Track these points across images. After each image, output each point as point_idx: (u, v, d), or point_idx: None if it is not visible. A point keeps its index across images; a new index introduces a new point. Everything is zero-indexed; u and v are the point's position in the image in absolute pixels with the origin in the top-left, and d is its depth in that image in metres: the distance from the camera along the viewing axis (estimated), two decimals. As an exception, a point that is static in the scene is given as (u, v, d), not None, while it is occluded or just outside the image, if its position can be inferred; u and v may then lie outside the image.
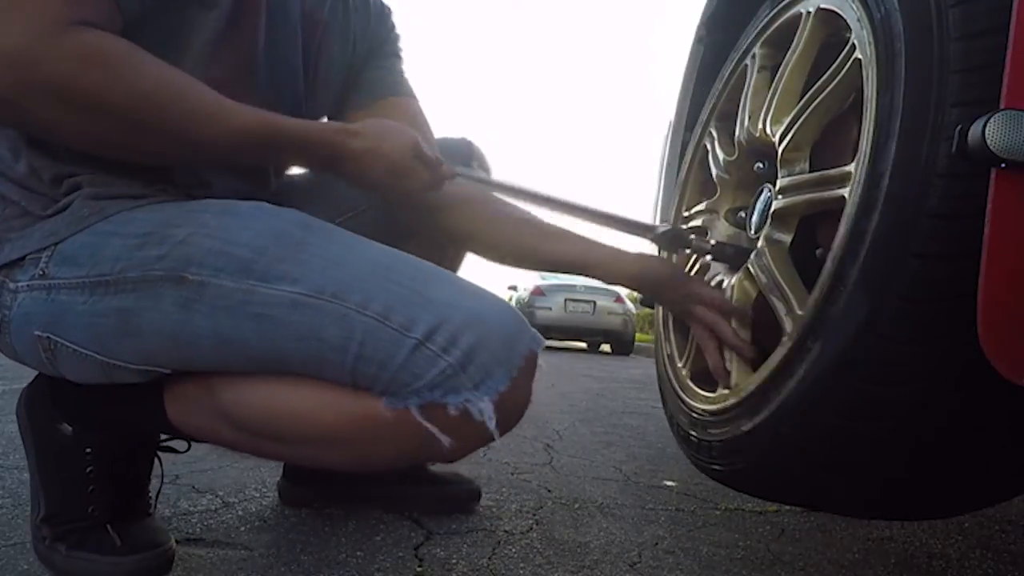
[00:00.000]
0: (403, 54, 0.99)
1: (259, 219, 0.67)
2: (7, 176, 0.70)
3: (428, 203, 0.86)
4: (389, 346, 0.60)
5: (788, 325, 0.78)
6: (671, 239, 0.99)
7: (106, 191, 0.69)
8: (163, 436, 0.81)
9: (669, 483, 1.38)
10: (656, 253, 1.22)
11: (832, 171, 0.77)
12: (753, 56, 1.06)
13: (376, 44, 0.95)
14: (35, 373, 0.77)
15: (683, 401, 1.02)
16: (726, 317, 0.90)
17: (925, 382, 0.64)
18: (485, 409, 0.61)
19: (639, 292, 1.00)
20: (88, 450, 0.76)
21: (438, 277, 0.66)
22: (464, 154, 1.02)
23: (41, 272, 0.66)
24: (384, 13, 0.97)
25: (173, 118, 0.64)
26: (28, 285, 0.66)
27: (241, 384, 0.67)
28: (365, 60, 0.94)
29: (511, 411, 0.65)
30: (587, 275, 0.93)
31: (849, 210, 0.70)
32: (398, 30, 0.99)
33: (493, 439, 0.63)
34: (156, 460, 0.85)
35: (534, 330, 0.66)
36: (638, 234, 1.00)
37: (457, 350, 0.60)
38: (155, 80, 0.62)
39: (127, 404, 0.74)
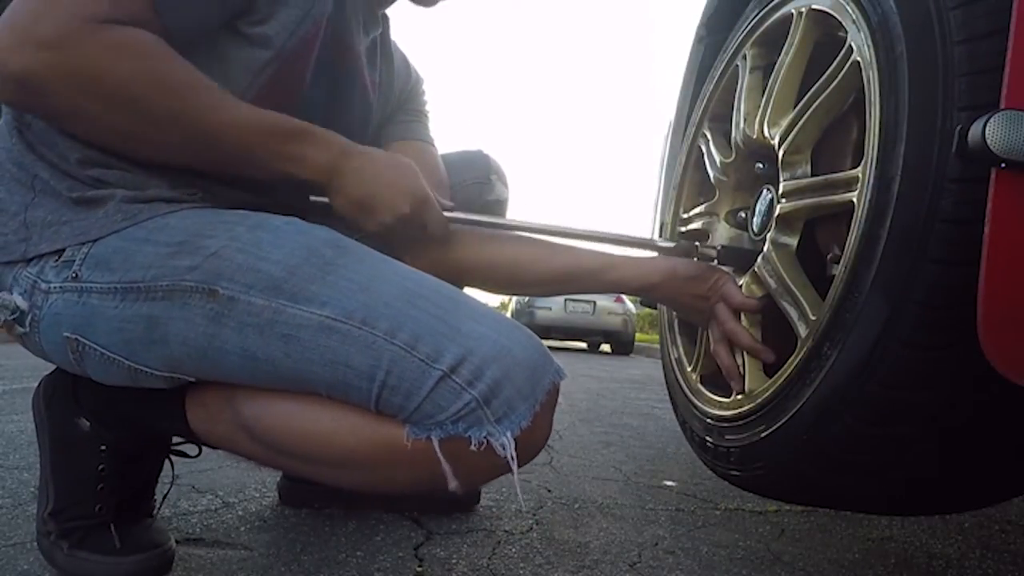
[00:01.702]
0: (429, 115, 1.03)
1: (291, 236, 0.67)
2: (37, 152, 0.70)
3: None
4: (415, 377, 0.60)
5: (803, 330, 0.78)
6: (675, 253, 0.97)
7: (141, 195, 0.69)
8: (176, 439, 0.81)
9: (669, 483, 1.38)
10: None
11: (839, 175, 0.77)
12: (744, 56, 1.06)
13: (408, 101, 1.00)
14: (48, 368, 0.77)
15: (695, 406, 1.01)
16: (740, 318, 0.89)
17: (946, 386, 0.64)
18: (507, 444, 0.61)
19: (657, 296, 0.94)
20: (103, 448, 0.76)
21: (467, 306, 0.66)
22: (481, 167, 1.03)
23: (74, 275, 0.66)
24: (419, 81, 1.03)
25: (190, 115, 0.65)
26: (60, 287, 0.66)
27: (264, 400, 0.67)
28: (395, 111, 0.98)
29: (531, 444, 0.65)
30: (605, 285, 0.91)
31: (860, 215, 0.70)
32: (427, 96, 1.04)
33: (510, 471, 0.63)
34: (166, 462, 0.85)
35: (557, 363, 0.66)
36: (641, 248, 0.99)
37: (482, 383, 0.60)
38: (180, 78, 0.65)
39: (149, 407, 0.75)
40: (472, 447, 0.60)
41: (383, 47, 0.92)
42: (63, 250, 0.67)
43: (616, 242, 0.94)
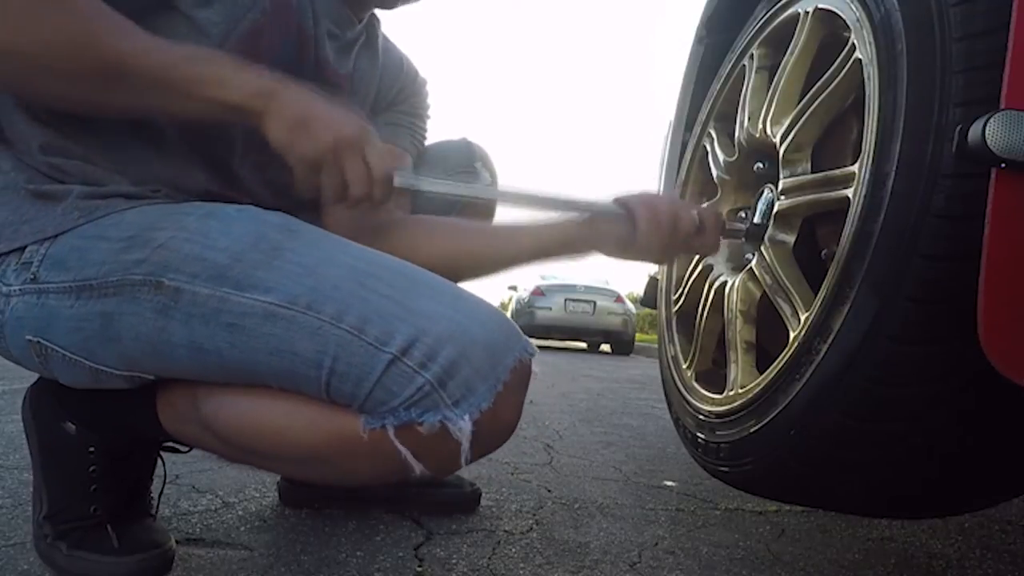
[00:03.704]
0: (427, 119, 0.99)
1: (240, 223, 0.65)
2: (6, 141, 0.69)
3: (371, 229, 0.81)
4: (364, 361, 0.57)
5: (794, 326, 0.78)
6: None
7: (99, 190, 0.68)
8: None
9: (669, 483, 1.38)
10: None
11: (836, 172, 0.77)
12: (751, 56, 1.07)
13: (399, 102, 0.96)
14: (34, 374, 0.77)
15: (689, 403, 1.02)
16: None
17: (933, 383, 0.64)
18: (464, 428, 0.57)
19: (591, 249, 0.85)
20: (91, 449, 0.76)
21: (422, 283, 0.62)
22: (464, 155, 1.02)
23: (32, 276, 0.65)
24: (415, 82, 0.98)
25: (94, 37, 0.61)
26: (20, 289, 0.66)
27: (221, 395, 0.65)
28: (383, 111, 0.95)
29: (498, 427, 0.61)
30: (574, 253, 0.84)
31: (854, 211, 0.70)
32: (431, 100, 1.00)
33: (470, 460, 0.59)
34: (159, 461, 0.85)
35: (526, 339, 0.63)
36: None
37: (436, 365, 0.57)
38: (82, 4, 0.61)
39: (124, 409, 0.74)
40: (428, 432, 0.57)
41: (366, 45, 0.90)
42: (23, 250, 0.66)
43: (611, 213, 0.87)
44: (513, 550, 0.92)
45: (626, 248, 0.82)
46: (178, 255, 0.62)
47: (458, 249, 0.87)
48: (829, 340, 0.69)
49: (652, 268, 1.61)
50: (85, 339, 0.65)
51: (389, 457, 0.59)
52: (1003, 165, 0.54)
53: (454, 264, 0.85)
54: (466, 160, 1.01)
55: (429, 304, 0.60)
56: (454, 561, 0.87)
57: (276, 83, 0.66)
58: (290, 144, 0.66)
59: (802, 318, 0.77)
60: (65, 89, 0.64)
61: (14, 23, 0.59)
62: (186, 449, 0.81)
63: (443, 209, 0.95)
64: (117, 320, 0.63)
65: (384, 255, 0.66)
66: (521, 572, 0.84)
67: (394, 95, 0.97)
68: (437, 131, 1.03)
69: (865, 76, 0.74)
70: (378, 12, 0.90)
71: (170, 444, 0.82)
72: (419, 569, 0.83)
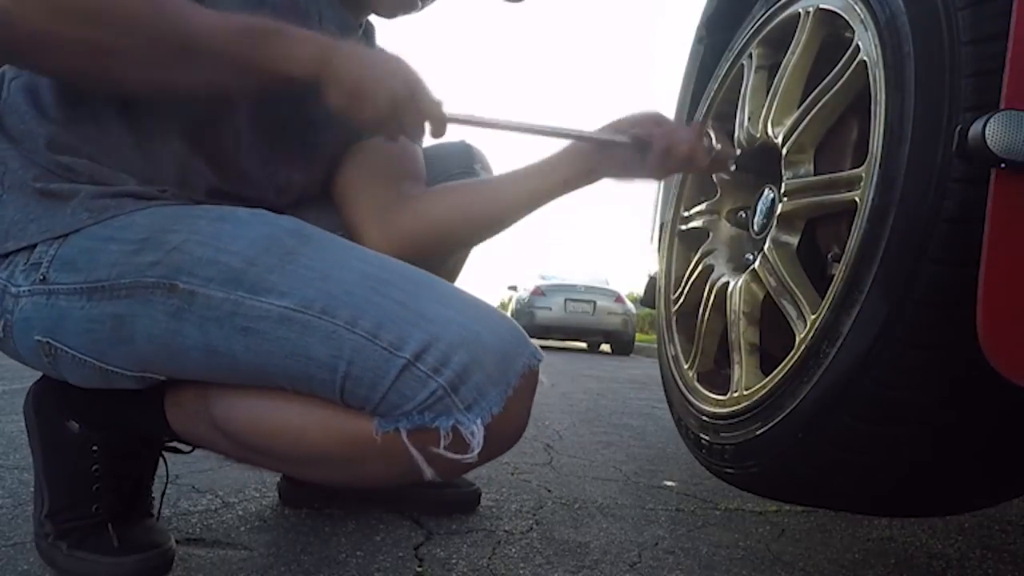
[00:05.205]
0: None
1: (253, 227, 0.66)
2: (10, 138, 0.69)
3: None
4: (378, 366, 0.59)
5: (801, 329, 0.78)
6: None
7: (108, 190, 0.68)
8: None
9: (669, 483, 1.38)
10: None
11: (842, 174, 0.77)
12: (750, 56, 1.06)
13: None
14: (36, 373, 0.77)
15: (691, 404, 1.01)
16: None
17: (945, 386, 0.64)
18: (476, 432, 0.59)
19: (604, 175, 0.87)
20: (94, 448, 0.76)
21: (433, 290, 0.64)
22: (463, 156, 1.02)
23: (42, 277, 0.65)
24: None
25: (165, 16, 0.62)
26: (29, 290, 0.66)
27: (233, 397, 0.66)
28: None
29: (507, 431, 0.63)
30: (580, 185, 0.86)
31: (862, 214, 0.70)
32: None
33: (477, 463, 0.61)
34: (161, 461, 0.85)
35: (534, 346, 0.64)
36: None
37: (448, 370, 0.59)
38: None
39: (131, 408, 0.75)
40: (441, 436, 0.59)
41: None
42: (33, 250, 0.66)
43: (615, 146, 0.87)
44: (513, 550, 0.92)
45: (630, 172, 0.85)
46: (191, 258, 0.63)
47: (471, 205, 0.87)
48: (839, 343, 0.69)
49: (652, 268, 1.61)
50: (96, 340, 0.65)
51: (400, 460, 0.61)
52: (1003, 165, 0.54)
53: (470, 221, 0.87)
54: (466, 162, 1.01)
55: (440, 309, 0.62)
56: (454, 561, 0.87)
57: (329, 48, 0.68)
58: (349, 110, 0.69)
59: (809, 320, 0.76)
60: (135, 71, 0.64)
61: (86, 11, 0.59)
62: (188, 449, 0.81)
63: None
64: (130, 322, 0.63)
65: (392, 260, 0.67)
66: (521, 572, 0.84)
67: None
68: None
69: (871, 78, 0.73)
70: (376, 20, 0.91)
71: (172, 444, 0.82)
72: (419, 569, 0.83)
